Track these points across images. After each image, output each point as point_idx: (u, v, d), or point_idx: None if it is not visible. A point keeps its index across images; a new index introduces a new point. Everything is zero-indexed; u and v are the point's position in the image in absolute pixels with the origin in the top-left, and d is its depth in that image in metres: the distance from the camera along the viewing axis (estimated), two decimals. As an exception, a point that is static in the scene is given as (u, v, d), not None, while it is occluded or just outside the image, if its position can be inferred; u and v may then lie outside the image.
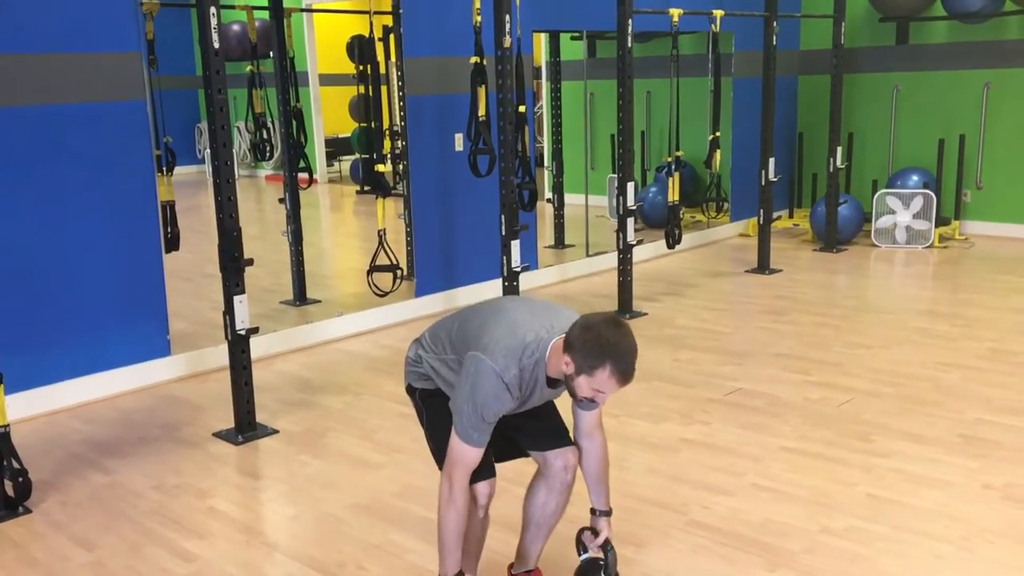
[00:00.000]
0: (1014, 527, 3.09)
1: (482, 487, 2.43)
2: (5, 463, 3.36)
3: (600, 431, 2.53)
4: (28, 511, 3.39)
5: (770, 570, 2.85)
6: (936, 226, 7.73)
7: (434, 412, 2.48)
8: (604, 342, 2.15)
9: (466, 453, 2.29)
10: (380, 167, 5.04)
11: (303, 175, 5.98)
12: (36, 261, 4.29)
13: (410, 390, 2.59)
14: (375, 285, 5.18)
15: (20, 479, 3.39)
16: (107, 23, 4.40)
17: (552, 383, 2.34)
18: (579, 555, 2.58)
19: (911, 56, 8.33)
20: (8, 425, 3.38)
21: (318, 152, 11.02)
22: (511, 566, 2.71)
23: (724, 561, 2.91)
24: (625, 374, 2.18)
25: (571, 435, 2.55)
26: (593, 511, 2.56)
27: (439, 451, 2.42)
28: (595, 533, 2.55)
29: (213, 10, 3.75)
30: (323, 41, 10.58)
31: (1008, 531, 3.06)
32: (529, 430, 2.52)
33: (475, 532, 2.52)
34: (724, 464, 3.64)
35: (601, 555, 2.53)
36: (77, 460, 3.85)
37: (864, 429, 3.94)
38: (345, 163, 11.63)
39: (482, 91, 5.06)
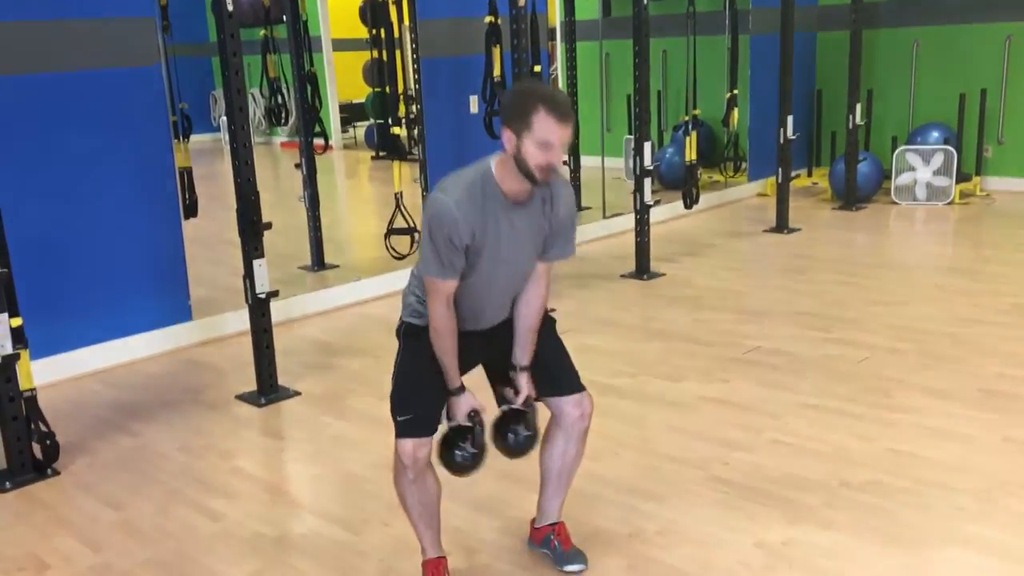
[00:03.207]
0: (1035, 479, 3.09)
1: (407, 444, 2.36)
2: (33, 426, 3.42)
3: (546, 277, 2.46)
4: (57, 473, 3.45)
5: (790, 523, 2.87)
6: (957, 182, 7.65)
7: (403, 355, 2.45)
8: (529, 89, 2.25)
9: (431, 284, 2.28)
10: (396, 129, 5.03)
11: (318, 141, 5.98)
12: (57, 228, 4.33)
13: (399, 327, 2.50)
14: (393, 248, 5.19)
15: (48, 442, 3.45)
16: (120, -12, 4.40)
17: (514, 202, 2.28)
18: (499, 407, 2.53)
19: (931, 10, 8.20)
20: (35, 389, 3.43)
21: (333, 118, 10.99)
22: (533, 521, 2.74)
23: (744, 515, 2.93)
24: (558, 108, 2.14)
25: (580, 381, 2.53)
26: (513, 367, 2.47)
27: (392, 394, 2.42)
28: (516, 391, 2.47)
29: (226, -27, 3.73)
30: (335, 5, 10.51)
31: (1029, 483, 3.06)
32: (542, 377, 2.50)
33: (426, 498, 2.46)
34: (743, 421, 3.65)
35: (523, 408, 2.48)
36: (103, 423, 3.91)
37: (884, 385, 3.94)
38: (360, 129, 11.60)
39: (497, 51, 5.03)
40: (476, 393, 2.46)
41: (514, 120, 2.18)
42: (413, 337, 2.43)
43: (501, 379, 2.53)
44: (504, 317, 2.48)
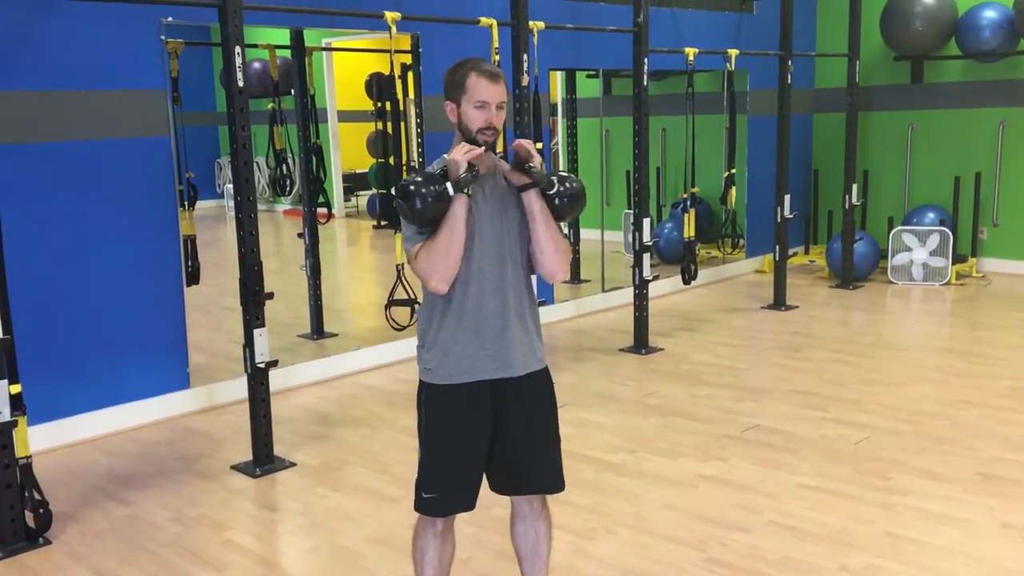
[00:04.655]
0: (1035, 567, 3.06)
1: (435, 521, 2.45)
2: (27, 494, 3.39)
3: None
4: (48, 542, 3.41)
5: (788, 608, 2.83)
6: (953, 263, 7.72)
7: (426, 426, 2.44)
8: (459, 63, 2.39)
9: (414, 256, 2.35)
10: (399, 202, 5.10)
11: (322, 210, 6.05)
12: (60, 294, 4.36)
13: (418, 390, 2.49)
14: (393, 319, 5.21)
15: (41, 510, 3.42)
16: (133, 61, 4.50)
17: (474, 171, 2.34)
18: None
19: (926, 94, 8.38)
20: (30, 456, 3.41)
21: (336, 187, 11.12)
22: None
23: (742, 598, 2.90)
24: (486, 70, 2.33)
25: (553, 480, 2.54)
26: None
27: (419, 466, 2.45)
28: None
29: (238, 49, 3.83)
30: (342, 78, 10.72)
31: (1029, 571, 3.04)
32: (513, 472, 2.48)
33: (445, 556, 2.51)
34: (742, 501, 3.63)
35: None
36: (97, 492, 3.88)
37: (882, 467, 3.93)
38: (362, 198, 11.75)
39: (500, 128, 5.12)
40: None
41: (451, 91, 2.38)
42: (432, 403, 2.42)
43: (495, 468, 2.49)
44: (512, 327, 2.39)
